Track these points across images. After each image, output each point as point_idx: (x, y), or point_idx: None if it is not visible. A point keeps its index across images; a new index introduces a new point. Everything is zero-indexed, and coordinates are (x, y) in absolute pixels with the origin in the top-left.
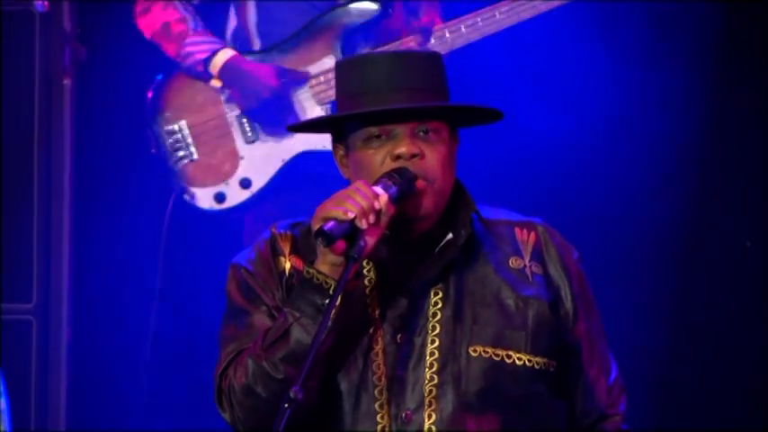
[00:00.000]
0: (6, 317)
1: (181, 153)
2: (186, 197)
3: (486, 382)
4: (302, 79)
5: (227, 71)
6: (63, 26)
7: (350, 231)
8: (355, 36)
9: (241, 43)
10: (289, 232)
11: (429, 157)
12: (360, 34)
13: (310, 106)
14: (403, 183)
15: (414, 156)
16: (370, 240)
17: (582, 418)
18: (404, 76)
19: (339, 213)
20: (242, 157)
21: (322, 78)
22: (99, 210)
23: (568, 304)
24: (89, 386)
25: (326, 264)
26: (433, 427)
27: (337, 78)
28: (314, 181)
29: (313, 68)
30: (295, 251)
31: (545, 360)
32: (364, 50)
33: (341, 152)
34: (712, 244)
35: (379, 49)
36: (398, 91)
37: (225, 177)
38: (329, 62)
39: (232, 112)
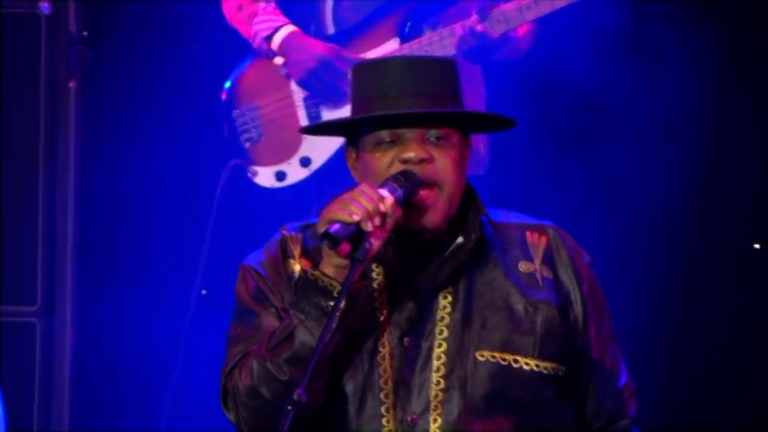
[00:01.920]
0: (10, 319)
1: (248, 134)
2: (250, 175)
3: (492, 387)
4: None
5: (284, 46)
6: (68, 29)
7: (355, 234)
8: (419, 20)
9: (317, 29)
10: (299, 234)
11: (438, 162)
12: (423, 18)
13: None
14: (408, 185)
15: (422, 161)
16: (376, 243)
17: (591, 422)
18: (417, 81)
19: (344, 216)
20: (304, 137)
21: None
22: (103, 212)
23: (578, 308)
24: (93, 389)
25: (331, 266)
26: None
27: (353, 82)
28: None
29: (377, 52)
30: (305, 253)
31: (553, 365)
32: (426, 34)
33: (353, 156)
34: (720, 246)
35: (428, 35)
36: (411, 96)
37: (288, 156)
38: (393, 44)
39: (300, 93)
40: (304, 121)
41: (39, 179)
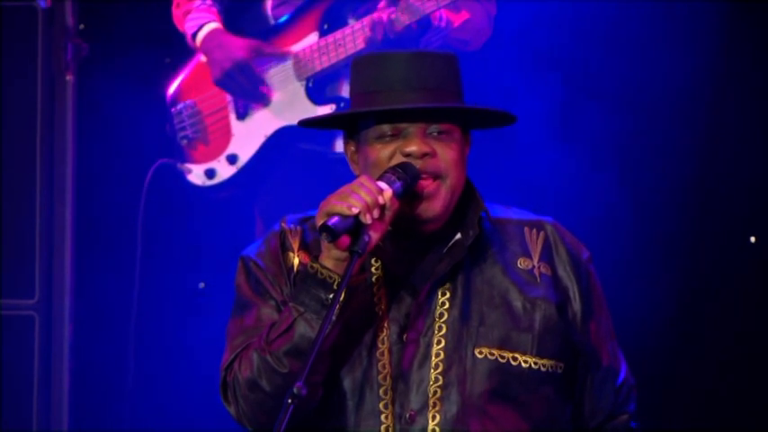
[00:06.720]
0: (8, 312)
1: (184, 132)
2: (184, 173)
3: (491, 384)
4: (283, 58)
5: (206, 44)
6: (65, 22)
7: (354, 226)
8: (343, 13)
9: (261, 22)
10: (298, 227)
11: (440, 156)
12: (348, 10)
13: (280, 81)
14: (407, 178)
15: (425, 155)
16: (375, 235)
17: (591, 418)
18: (419, 75)
19: (343, 208)
20: (233, 135)
21: (302, 54)
22: (101, 205)
23: (577, 305)
24: (92, 383)
25: (331, 259)
26: (437, 429)
27: (353, 75)
28: (295, 156)
29: (299, 46)
30: (304, 246)
31: (552, 362)
32: (350, 23)
33: (352, 149)
34: (716, 240)
35: (364, 19)
36: (413, 90)
37: (217, 154)
38: (313, 38)
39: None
40: (232, 117)
41: (36, 172)
